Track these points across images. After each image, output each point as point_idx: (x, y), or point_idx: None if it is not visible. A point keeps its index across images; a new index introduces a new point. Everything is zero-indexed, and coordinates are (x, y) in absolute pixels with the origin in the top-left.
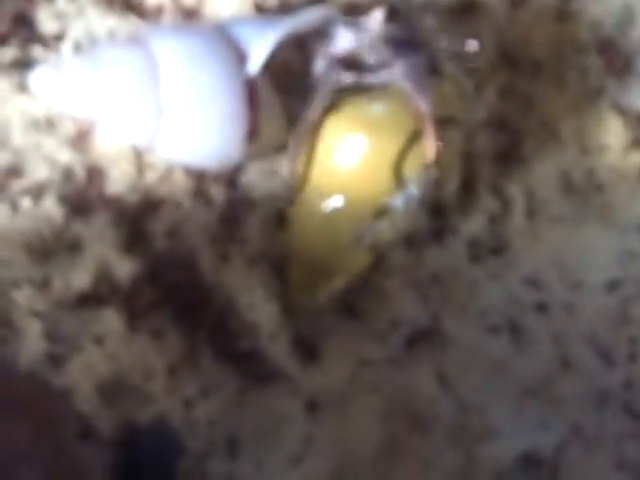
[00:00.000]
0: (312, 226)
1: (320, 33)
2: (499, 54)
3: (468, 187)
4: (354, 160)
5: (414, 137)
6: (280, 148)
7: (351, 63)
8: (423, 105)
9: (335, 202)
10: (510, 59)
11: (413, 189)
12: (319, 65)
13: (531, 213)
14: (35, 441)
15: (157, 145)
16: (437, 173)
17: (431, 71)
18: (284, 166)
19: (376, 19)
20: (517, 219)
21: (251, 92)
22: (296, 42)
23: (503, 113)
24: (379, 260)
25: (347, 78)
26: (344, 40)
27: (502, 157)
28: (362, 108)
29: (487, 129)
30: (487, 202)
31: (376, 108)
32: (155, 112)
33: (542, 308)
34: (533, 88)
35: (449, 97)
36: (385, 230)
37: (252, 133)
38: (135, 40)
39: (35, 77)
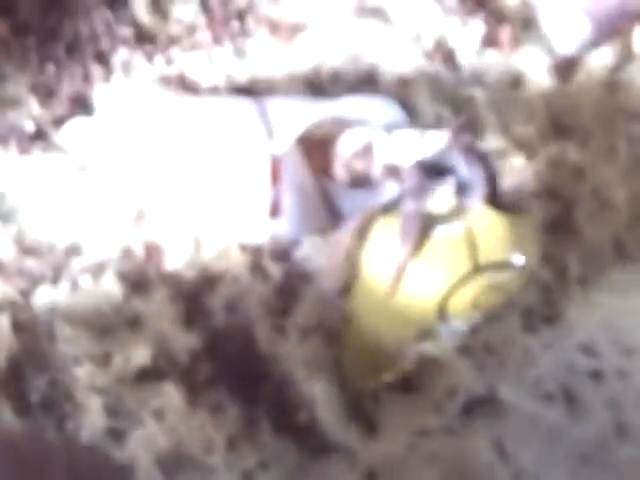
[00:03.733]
0: (372, 329)
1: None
2: (548, 125)
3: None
4: (407, 280)
5: (466, 278)
6: (312, 228)
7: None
8: (401, 251)
9: (384, 314)
10: (560, 129)
11: (458, 325)
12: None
13: (584, 281)
14: None
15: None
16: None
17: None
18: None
19: (443, 137)
20: (571, 287)
21: (275, 168)
22: (337, 123)
23: (554, 182)
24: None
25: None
26: (405, 146)
27: (555, 226)
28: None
29: (539, 199)
30: (540, 271)
31: (440, 232)
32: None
33: (596, 375)
34: (583, 157)
35: (520, 234)
36: (429, 349)
37: (274, 209)
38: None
39: (68, 127)
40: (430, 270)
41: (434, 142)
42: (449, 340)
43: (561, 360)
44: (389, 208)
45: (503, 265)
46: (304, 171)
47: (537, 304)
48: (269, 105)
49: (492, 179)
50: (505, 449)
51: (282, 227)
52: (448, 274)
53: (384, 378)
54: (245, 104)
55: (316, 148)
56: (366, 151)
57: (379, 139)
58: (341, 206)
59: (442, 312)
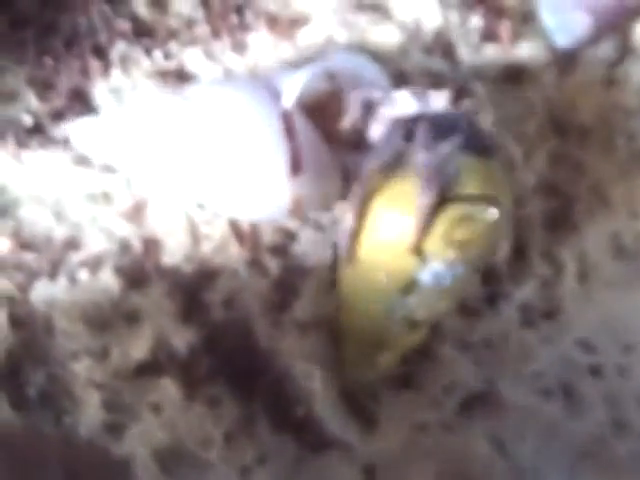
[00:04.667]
0: (360, 302)
1: (355, 81)
2: (548, 120)
3: (520, 253)
4: (390, 235)
5: (434, 210)
6: (326, 188)
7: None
8: (424, 199)
9: (380, 277)
10: (559, 125)
11: (437, 265)
12: (376, 126)
13: (583, 277)
14: None
15: (203, 199)
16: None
17: (481, 150)
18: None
19: (443, 97)
20: (569, 283)
21: (288, 124)
22: (329, 81)
23: (553, 178)
24: (427, 339)
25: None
26: (406, 106)
27: (553, 222)
28: (397, 183)
29: (537, 195)
30: (539, 267)
31: (406, 184)
32: (192, 159)
33: (595, 371)
34: (582, 153)
35: (494, 177)
36: (416, 305)
37: (294, 164)
38: (175, 92)
39: (74, 127)
40: (399, 212)
41: (433, 101)
42: (435, 290)
43: (560, 355)
44: (392, 166)
45: (472, 198)
46: (312, 129)
47: (536, 299)
48: (272, 78)
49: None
50: (503, 444)
51: (302, 185)
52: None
53: (383, 362)
54: (246, 81)
55: (316, 111)
56: (366, 111)
57: (379, 98)
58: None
59: (419, 252)
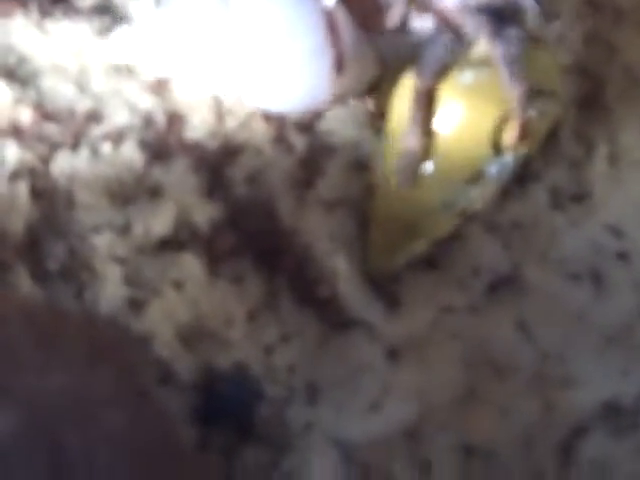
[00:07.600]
0: (408, 190)
1: None
2: (583, 0)
3: (550, 133)
4: (451, 126)
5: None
6: (367, 87)
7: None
8: (517, 89)
9: (427, 166)
10: (594, 5)
11: (508, 158)
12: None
13: (613, 159)
14: (118, 386)
15: (240, 91)
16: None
17: (531, 41)
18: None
19: None
20: (599, 165)
21: (331, 23)
22: None
23: (586, 59)
24: (461, 226)
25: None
26: None
27: (585, 103)
28: (463, 75)
29: (570, 75)
30: (569, 148)
31: (478, 76)
32: (232, 55)
33: (623, 256)
34: (616, 34)
35: (546, 69)
36: (476, 197)
37: (338, 65)
38: None
39: (115, 36)
40: (478, 104)
41: None
42: (496, 181)
43: (588, 240)
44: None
45: (545, 93)
46: (351, 22)
47: (565, 181)
48: None
49: None
50: (529, 329)
51: (343, 82)
52: (498, 104)
53: (414, 250)
54: None
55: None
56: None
57: None
58: (386, 55)
59: (496, 144)
